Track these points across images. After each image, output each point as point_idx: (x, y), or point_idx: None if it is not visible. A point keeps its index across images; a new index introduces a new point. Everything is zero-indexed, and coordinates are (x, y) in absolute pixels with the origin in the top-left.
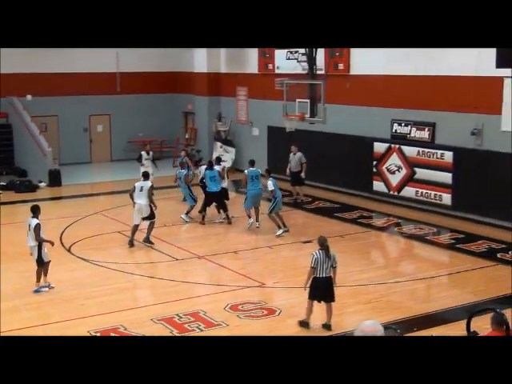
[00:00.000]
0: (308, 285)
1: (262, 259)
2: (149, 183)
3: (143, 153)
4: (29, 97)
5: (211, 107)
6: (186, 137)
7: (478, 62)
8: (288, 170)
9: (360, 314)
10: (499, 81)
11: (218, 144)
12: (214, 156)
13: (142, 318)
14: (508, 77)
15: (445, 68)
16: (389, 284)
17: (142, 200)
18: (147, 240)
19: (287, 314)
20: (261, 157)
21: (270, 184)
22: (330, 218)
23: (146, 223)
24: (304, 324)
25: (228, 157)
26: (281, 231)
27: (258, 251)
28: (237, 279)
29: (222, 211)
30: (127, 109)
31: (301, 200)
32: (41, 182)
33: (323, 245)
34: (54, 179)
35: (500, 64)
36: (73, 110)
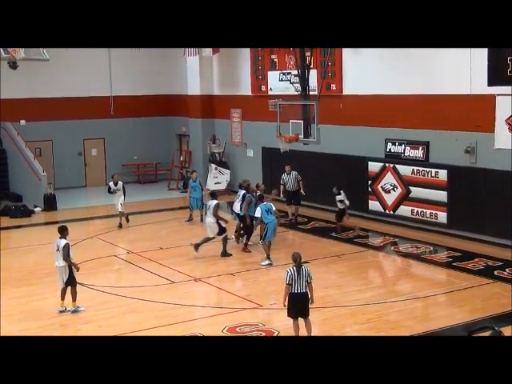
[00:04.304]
0: (286, 302)
1: (259, 281)
2: (214, 202)
3: (111, 184)
4: (23, 122)
5: (205, 129)
6: (181, 159)
7: (470, 80)
8: (281, 192)
9: (358, 334)
10: (491, 99)
11: (213, 166)
12: (209, 177)
13: None
14: (500, 95)
15: (437, 87)
16: (386, 303)
17: (209, 218)
18: (224, 253)
19: (285, 335)
20: (256, 178)
21: (258, 211)
22: (326, 238)
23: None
24: None
25: (223, 178)
26: (267, 262)
27: (255, 273)
28: (234, 301)
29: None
30: (121, 132)
31: (294, 220)
32: (36, 206)
33: (296, 261)
34: (49, 204)
35: (492, 82)
36: (67, 135)
